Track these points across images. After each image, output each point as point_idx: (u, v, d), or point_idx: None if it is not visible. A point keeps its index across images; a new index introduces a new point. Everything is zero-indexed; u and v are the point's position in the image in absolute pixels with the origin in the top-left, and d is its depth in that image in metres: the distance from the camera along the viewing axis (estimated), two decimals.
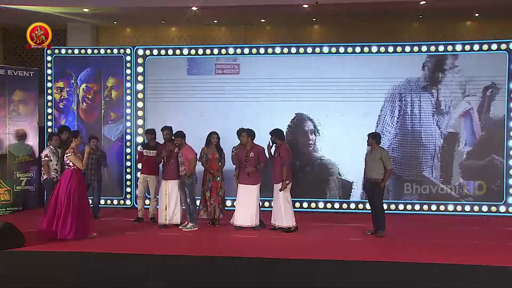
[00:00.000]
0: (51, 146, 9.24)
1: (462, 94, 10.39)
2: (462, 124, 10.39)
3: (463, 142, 10.38)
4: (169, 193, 9.15)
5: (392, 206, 10.36)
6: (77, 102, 11.16)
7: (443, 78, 10.42)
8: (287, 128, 10.65)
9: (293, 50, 10.79)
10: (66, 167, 8.24)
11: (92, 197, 9.90)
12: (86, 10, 13.23)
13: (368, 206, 9.03)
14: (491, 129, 10.31)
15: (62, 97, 11.18)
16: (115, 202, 11.02)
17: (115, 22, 15.17)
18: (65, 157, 8.24)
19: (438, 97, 10.43)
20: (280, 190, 8.69)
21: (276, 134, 8.88)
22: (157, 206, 9.52)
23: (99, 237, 8.42)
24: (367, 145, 8.77)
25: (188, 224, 9.05)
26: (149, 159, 9.52)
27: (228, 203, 9.76)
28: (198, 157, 9.15)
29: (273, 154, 8.94)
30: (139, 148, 10.23)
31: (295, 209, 10.41)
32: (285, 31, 15.06)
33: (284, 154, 8.72)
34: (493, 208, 10.25)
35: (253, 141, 9.09)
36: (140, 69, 10.99)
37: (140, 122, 10.98)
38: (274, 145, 8.92)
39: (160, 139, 9.55)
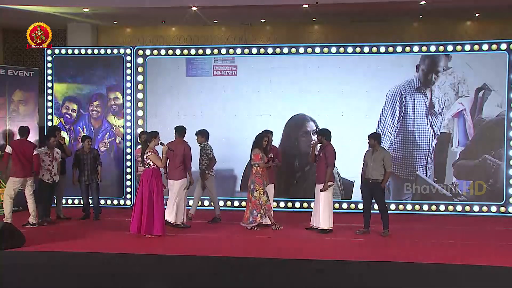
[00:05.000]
0: (46, 146, 9.25)
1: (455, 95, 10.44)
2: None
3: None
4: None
5: (392, 206, 10.37)
6: None
7: (437, 79, 10.46)
8: (286, 128, 10.68)
9: (293, 50, 10.79)
10: (147, 166, 8.34)
11: (91, 198, 9.92)
12: (86, 10, 13.25)
13: (360, 206, 9.04)
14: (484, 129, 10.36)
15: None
16: (115, 202, 11.02)
17: (115, 22, 15.20)
18: (145, 157, 8.32)
19: (431, 97, 10.47)
20: (321, 190, 8.65)
21: (323, 133, 8.82)
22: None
23: (100, 237, 8.44)
24: (369, 146, 8.76)
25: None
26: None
27: (236, 203, 10.06)
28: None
29: (316, 154, 8.89)
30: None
31: (295, 209, 10.51)
32: (285, 31, 15.09)
33: (330, 154, 8.66)
34: (493, 208, 10.26)
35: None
36: (140, 69, 11.00)
37: (140, 122, 10.98)
38: (319, 145, 8.89)
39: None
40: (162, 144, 8.54)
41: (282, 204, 10.48)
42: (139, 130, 10.80)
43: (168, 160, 9.01)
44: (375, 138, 8.67)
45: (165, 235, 8.32)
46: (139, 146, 9.43)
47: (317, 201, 8.80)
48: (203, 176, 9.44)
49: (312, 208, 9.26)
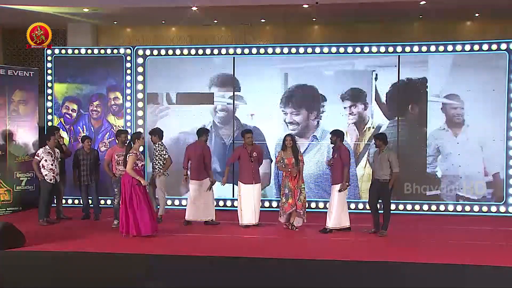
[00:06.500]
0: (47, 146, 9.25)
1: None
2: None
3: None
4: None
5: (392, 206, 10.32)
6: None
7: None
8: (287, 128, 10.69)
9: (293, 50, 10.78)
10: (135, 166, 8.32)
11: (91, 198, 9.92)
12: (86, 10, 13.25)
13: (367, 206, 9.05)
14: None
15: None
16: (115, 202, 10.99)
17: (115, 22, 15.19)
18: (127, 157, 8.33)
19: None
20: (340, 191, 8.64)
21: (337, 134, 8.82)
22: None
23: (100, 237, 8.43)
24: (375, 147, 8.77)
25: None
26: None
27: (236, 203, 9.72)
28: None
29: (331, 155, 8.88)
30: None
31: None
32: (285, 31, 15.08)
33: (345, 155, 8.67)
34: (493, 208, 10.26)
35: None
36: (140, 69, 11.00)
37: (140, 122, 10.98)
38: (332, 145, 8.90)
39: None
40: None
41: None
42: (139, 130, 10.79)
43: (190, 161, 9.29)
44: (381, 139, 8.68)
45: (154, 234, 8.27)
46: (115, 144, 9.46)
47: (332, 201, 8.82)
48: (158, 175, 9.38)
49: (314, 208, 9.31)
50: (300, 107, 10.66)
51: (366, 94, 10.49)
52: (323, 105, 10.61)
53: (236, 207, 9.64)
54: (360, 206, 10.48)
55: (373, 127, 10.46)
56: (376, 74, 10.45)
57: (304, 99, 10.67)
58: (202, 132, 9.48)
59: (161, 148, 9.34)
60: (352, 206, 10.49)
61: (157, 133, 9.45)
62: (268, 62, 10.74)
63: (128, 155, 8.30)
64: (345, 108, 10.52)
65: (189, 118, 10.82)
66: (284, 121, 10.66)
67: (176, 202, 10.80)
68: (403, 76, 10.41)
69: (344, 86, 10.53)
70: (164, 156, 9.33)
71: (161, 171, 9.32)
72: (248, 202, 9.11)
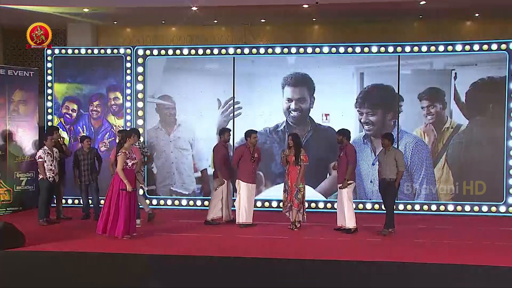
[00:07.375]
0: (45, 147, 9.26)
1: None
2: None
3: None
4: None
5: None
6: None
7: None
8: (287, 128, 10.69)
9: (293, 50, 10.79)
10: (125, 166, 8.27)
11: (91, 198, 9.92)
12: (86, 10, 13.25)
13: (383, 207, 9.11)
14: None
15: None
16: None
17: (115, 22, 15.19)
18: (117, 156, 8.27)
19: None
20: (341, 188, 8.68)
21: (343, 133, 8.83)
22: None
23: (100, 237, 8.43)
24: (382, 146, 8.79)
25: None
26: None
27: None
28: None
29: (339, 154, 8.90)
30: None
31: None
32: (285, 31, 15.08)
33: (351, 153, 8.71)
34: (493, 208, 10.26)
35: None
36: (140, 69, 11.00)
37: (140, 122, 10.98)
38: (339, 144, 8.91)
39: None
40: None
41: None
42: (140, 130, 10.79)
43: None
44: (388, 138, 8.70)
45: (122, 237, 8.11)
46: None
47: (339, 201, 8.84)
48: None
49: (314, 208, 9.30)
50: (376, 107, 10.53)
51: (445, 93, 10.38)
52: (400, 105, 10.46)
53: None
54: (360, 206, 10.48)
55: (451, 127, 10.34)
56: (456, 73, 10.36)
57: (380, 99, 10.53)
58: (220, 132, 9.63)
59: (142, 146, 9.48)
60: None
61: (136, 133, 9.39)
62: (343, 61, 10.60)
63: (117, 155, 8.25)
64: (422, 108, 10.42)
65: (262, 118, 10.73)
66: (360, 121, 10.55)
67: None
68: (484, 75, 10.24)
69: (422, 86, 10.38)
70: (147, 154, 9.48)
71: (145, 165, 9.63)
72: (247, 200, 9.14)
